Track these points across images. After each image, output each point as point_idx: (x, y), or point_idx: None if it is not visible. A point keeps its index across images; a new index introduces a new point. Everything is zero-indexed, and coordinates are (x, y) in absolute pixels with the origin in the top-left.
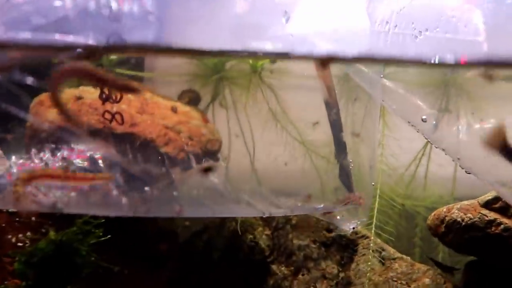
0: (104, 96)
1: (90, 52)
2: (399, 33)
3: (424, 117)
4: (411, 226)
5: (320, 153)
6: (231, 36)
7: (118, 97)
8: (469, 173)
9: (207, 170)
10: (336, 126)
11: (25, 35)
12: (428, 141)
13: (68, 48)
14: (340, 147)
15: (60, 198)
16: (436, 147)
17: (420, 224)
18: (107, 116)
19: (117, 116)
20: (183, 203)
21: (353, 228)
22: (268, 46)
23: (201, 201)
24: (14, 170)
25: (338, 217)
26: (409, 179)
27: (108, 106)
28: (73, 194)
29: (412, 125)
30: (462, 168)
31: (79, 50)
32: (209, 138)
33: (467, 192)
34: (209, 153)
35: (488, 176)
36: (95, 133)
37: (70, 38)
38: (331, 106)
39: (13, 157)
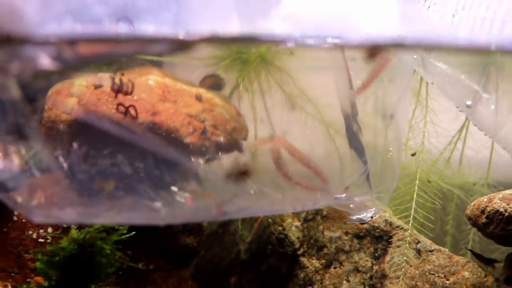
0: (116, 87)
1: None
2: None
3: (469, 102)
4: (445, 214)
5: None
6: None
7: (130, 88)
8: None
9: (244, 174)
10: (349, 112)
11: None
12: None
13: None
14: (352, 133)
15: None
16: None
17: (453, 211)
18: (121, 109)
19: (131, 109)
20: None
21: (371, 217)
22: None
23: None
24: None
25: (351, 206)
26: (444, 164)
27: (120, 97)
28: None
29: (459, 108)
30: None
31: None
32: (235, 126)
33: (500, 178)
34: (235, 142)
35: None
36: (115, 124)
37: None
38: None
39: None
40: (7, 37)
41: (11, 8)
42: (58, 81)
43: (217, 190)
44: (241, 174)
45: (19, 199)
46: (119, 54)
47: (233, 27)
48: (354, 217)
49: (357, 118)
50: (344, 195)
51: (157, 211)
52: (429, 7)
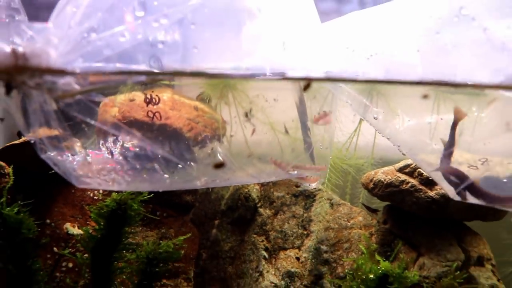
0: (147, 99)
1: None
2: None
3: (375, 115)
4: (345, 181)
5: (294, 135)
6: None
7: (157, 100)
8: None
9: (218, 166)
10: (303, 117)
11: (98, 65)
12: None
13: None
14: (306, 132)
15: (117, 180)
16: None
17: (350, 179)
18: (150, 114)
19: (157, 114)
20: (204, 176)
21: (315, 186)
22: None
23: (215, 174)
24: (88, 158)
25: (304, 176)
26: (346, 150)
27: (150, 107)
28: (126, 177)
29: (364, 119)
30: (398, 147)
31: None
32: (217, 126)
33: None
34: (217, 136)
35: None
36: (142, 124)
37: (134, 66)
38: (301, 103)
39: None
40: (48, 69)
41: (48, 52)
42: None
43: (205, 169)
44: (218, 165)
45: (75, 173)
46: (115, 83)
47: (220, 64)
48: (302, 186)
49: (307, 124)
50: (295, 172)
51: (165, 181)
52: (353, 50)
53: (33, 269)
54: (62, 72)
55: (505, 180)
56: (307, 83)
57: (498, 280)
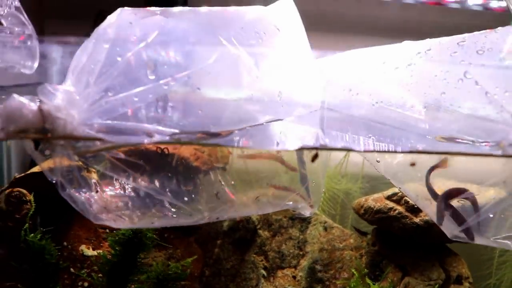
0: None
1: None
2: None
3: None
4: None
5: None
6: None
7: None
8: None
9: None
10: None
11: (115, 122)
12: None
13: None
14: (302, 165)
15: (130, 216)
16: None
17: (340, 202)
18: (159, 149)
19: (165, 149)
20: (208, 209)
21: (309, 214)
22: None
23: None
24: (103, 194)
25: (299, 206)
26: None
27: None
28: (138, 212)
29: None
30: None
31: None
32: (222, 155)
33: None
34: (221, 165)
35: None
36: (151, 155)
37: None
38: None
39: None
40: (73, 132)
41: (72, 114)
42: None
43: (209, 199)
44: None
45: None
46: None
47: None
48: (297, 213)
49: (303, 159)
50: (291, 203)
51: (172, 216)
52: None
53: None
54: (86, 138)
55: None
56: (315, 154)
57: None
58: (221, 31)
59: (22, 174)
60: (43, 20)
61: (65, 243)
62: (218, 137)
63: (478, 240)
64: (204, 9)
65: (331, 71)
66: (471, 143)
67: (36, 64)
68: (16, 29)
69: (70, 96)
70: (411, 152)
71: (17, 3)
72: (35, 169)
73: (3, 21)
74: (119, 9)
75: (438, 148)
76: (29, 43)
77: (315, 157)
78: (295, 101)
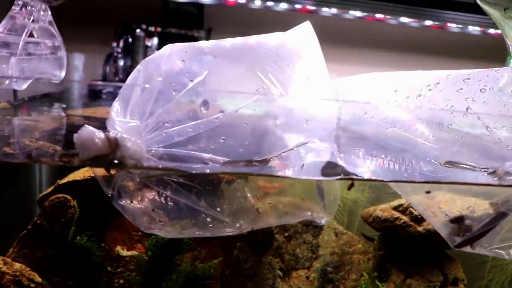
0: None
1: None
2: None
3: None
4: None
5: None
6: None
7: None
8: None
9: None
10: None
11: (174, 151)
12: None
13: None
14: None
15: (175, 227)
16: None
17: (347, 209)
18: None
19: None
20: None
21: (324, 223)
22: None
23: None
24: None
25: (315, 216)
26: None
27: None
28: (177, 225)
29: None
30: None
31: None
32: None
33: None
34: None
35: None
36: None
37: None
38: None
39: None
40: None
41: (139, 145)
42: None
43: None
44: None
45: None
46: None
47: None
48: (313, 221)
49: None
50: (309, 213)
51: (211, 229)
52: None
53: None
54: (155, 169)
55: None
56: (351, 183)
57: None
58: (258, 66)
59: (65, 181)
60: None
61: (102, 244)
62: (261, 164)
63: (477, 250)
64: (240, 42)
65: (346, 92)
66: (472, 168)
67: (63, 73)
68: (47, 41)
69: (133, 126)
70: (421, 182)
71: (50, 17)
72: (76, 177)
73: (35, 34)
74: (169, 45)
75: (442, 172)
76: (58, 54)
77: (351, 186)
78: (318, 121)
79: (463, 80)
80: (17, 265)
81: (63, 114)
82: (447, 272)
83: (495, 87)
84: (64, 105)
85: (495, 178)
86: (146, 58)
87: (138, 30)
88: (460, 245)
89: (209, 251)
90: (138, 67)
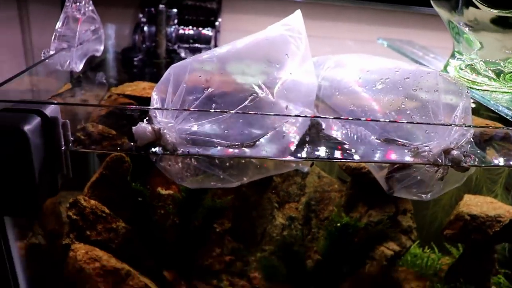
0: None
1: None
2: None
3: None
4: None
5: None
6: None
7: None
8: None
9: None
10: None
11: (195, 137)
12: None
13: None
14: None
15: (198, 181)
16: None
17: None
18: None
19: None
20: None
21: (307, 170)
22: None
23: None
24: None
25: (300, 165)
26: None
27: None
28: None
29: None
30: None
31: None
32: None
33: None
34: None
35: None
36: None
37: None
38: None
39: None
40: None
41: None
42: None
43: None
44: None
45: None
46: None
47: None
48: (299, 170)
49: None
50: (295, 165)
51: (223, 180)
52: None
53: (153, 221)
54: (185, 155)
55: None
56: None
57: (413, 222)
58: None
59: None
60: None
61: (148, 187)
62: (251, 146)
63: (403, 194)
64: (243, 45)
65: (324, 71)
66: (406, 145)
67: (102, 47)
68: (92, 27)
69: (169, 123)
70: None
71: (92, 6)
72: None
73: (84, 24)
74: (191, 59)
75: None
76: (99, 33)
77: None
78: (303, 94)
79: (404, 79)
80: (92, 202)
81: (106, 92)
82: (399, 205)
83: (424, 88)
84: (105, 77)
85: (411, 154)
86: (174, 65)
87: (160, 5)
88: (391, 191)
89: (224, 190)
90: (169, 71)
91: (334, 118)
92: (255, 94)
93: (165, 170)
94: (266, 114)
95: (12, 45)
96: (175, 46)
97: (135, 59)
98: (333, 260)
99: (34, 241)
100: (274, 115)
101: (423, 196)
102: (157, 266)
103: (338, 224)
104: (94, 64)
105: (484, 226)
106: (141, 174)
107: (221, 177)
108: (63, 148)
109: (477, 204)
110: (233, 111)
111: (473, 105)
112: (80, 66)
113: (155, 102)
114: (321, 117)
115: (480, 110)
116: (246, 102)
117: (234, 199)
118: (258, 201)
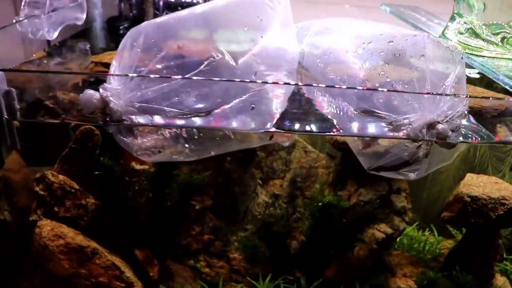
0: None
1: None
2: None
3: None
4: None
5: None
6: None
7: None
8: None
9: None
10: None
11: (145, 106)
12: None
13: None
14: None
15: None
16: None
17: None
18: None
19: None
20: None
21: (287, 144)
22: None
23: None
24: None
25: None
26: None
27: None
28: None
29: None
30: None
31: None
32: None
33: None
34: None
35: None
36: None
37: None
38: None
39: None
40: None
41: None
42: None
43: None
44: None
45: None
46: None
47: None
48: (280, 143)
49: None
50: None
51: (188, 154)
52: None
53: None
54: (133, 125)
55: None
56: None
57: (407, 203)
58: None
59: None
60: None
61: (121, 161)
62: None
63: (381, 173)
64: (208, 8)
65: (307, 37)
66: (385, 117)
67: (84, 16)
68: None
69: (117, 90)
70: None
71: None
72: None
73: None
74: (145, 23)
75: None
76: (78, 0)
77: (271, 137)
78: (282, 62)
79: (387, 43)
80: (61, 177)
81: (90, 61)
82: (392, 184)
83: (408, 53)
84: (88, 46)
85: (390, 127)
86: (133, 28)
87: None
88: (375, 169)
89: (203, 164)
90: (127, 34)
91: (306, 85)
92: (211, 59)
93: (123, 143)
94: (221, 80)
95: None
96: (163, 14)
97: (121, 27)
98: (318, 242)
99: None
100: (227, 80)
101: (408, 174)
102: (129, 244)
103: (320, 204)
104: (76, 33)
105: (486, 208)
106: (115, 148)
107: (180, 150)
108: (5, 117)
109: (479, 185)
110: (185, 76)
111: (477, 75)
112: (54, 35)
113: (113, 68)
114: (289, 84)
115: (493, 82)
116: (202, 67)
117: (215, 175)
118: (241, 177)
